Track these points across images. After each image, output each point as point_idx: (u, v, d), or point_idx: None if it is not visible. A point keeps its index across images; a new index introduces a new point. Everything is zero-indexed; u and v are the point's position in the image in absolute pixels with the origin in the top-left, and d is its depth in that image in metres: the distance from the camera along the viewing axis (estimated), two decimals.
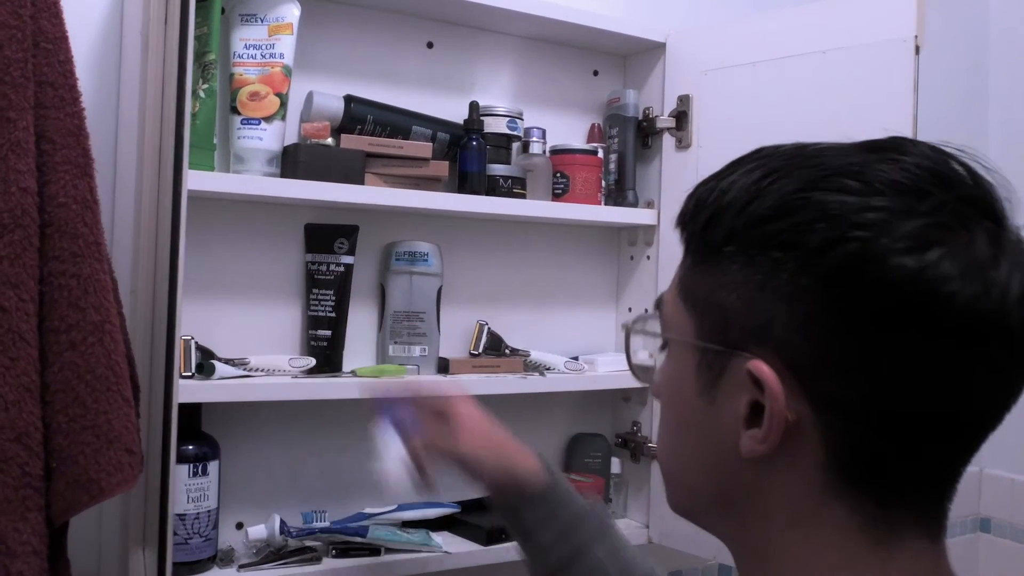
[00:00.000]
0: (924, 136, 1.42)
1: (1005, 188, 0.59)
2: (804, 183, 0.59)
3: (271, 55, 1.41)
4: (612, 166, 1.73)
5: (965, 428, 0.59)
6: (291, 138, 1.46)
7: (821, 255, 0.56)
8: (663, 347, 0.70)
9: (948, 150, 0.60)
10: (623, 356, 1.77)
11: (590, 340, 1.80)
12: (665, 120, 1.71)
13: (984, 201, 0.58)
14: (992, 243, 0.56)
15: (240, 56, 1.41)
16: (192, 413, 1.36)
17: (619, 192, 1.72)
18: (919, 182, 0.57)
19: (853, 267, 0.55)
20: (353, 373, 1.48)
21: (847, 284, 0.55)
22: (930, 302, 0.54)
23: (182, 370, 1.33)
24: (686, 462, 0.68)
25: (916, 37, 1.39)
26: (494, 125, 1.62)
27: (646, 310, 1.75)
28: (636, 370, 0.75)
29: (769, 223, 0.59)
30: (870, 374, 0.56)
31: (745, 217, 0.60)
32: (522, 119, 1.66)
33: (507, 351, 1.64)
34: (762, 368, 0.58)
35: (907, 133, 1.38)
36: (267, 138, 1.40)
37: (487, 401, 1.67)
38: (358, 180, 1.44)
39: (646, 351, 0.71)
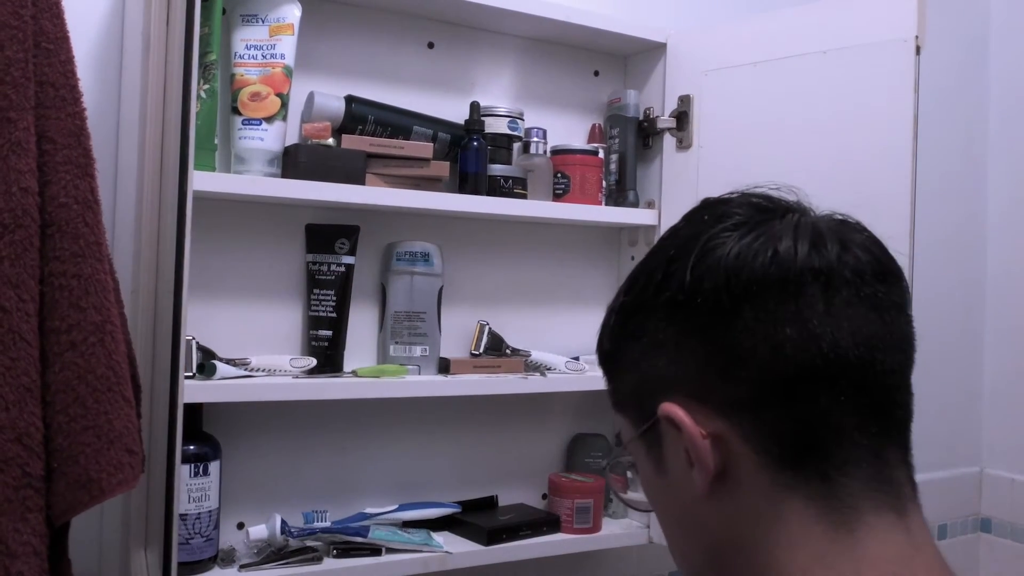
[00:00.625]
0: (924, 135, 1.43)
1: (798, 195, 0.70)
2: (641, 261, 0.70)
3: (272, 55, 1.41)
4: (613, 166, 1.73)
5: (858, 379, 0.61)
6: (292, 138, 1.46)
7: (659, 296, 0.66)
8: (633, 465, 0.75)
9: (746, 188, 0.70)
10: None
11: (591, 340, 1.77)
12: (666, 120, 1.71)
13: (778, 203, 0.68)
14: (788, 224, 0.64)
15: (241, 56, 1.41)
16: (193, 413, 1.36)
17: (620, 192, 1.72)
18: (716, 211, 0.67)
19: (681, 286, 0.64)
20: (354, 373, 1.48)
21: (685, 302, 0.64)
22: (744, 273, 0.62)
23: (183, 370, 1.33)
24: (683, 544, 0.71)
25: (917, 37, 1.39)
26: (495, 125, 1.62)
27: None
28: (628, 503, 0.82)
29: (625, 303, 0.69)
30: (739, 363, 0.62)
31: (614, 314, 0.71)
32: (523, 119, 1.66)
33: (508, 351, 1.64)
34: (667, 409, 0.64)
35: (907, 133, 1.38)
36: (268, 138, 1.40)
37: (488, 402, 1.68)
38: (359, 180, 1.44)
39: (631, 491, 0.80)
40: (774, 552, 0.62)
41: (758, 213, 0.66)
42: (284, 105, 1.41)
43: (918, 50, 1.39)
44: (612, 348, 0.72)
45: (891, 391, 0.64)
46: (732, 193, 0.70)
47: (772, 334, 0.61)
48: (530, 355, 1.65)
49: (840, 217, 0.67)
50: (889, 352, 0.63)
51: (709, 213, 0.67)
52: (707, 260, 0.63)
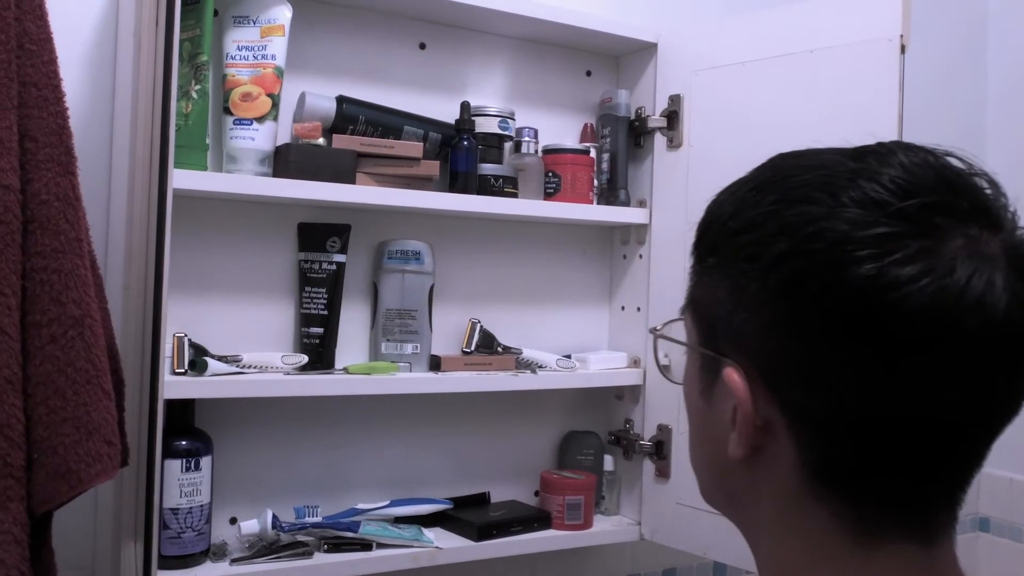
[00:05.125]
0: (917, 135, 1.43)
1: (996, 189, 0.59)
2: (777, 197, 0.60)
3: (263, 56, 1.43)
4: (604, 165, 1.74)
5: (940, 435, 0.57)
6: (283, 138, 1.48)
7: (778, 268, 0.58)
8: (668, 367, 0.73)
9: (935, 157, 0.59)
10: (616, 355, 1.79)
11: (583, 338, 1.81)
12: (656, 120, 1.72)
13: (963, 206, 0.57)
14: (964, 247, 0.55)
15: (232, 57, 1.43)
16: (185, 409, 1.38)
17: (611, 191, 1.73)
18: (885, 194, 0.56)
19: (805, 280, 0.56)
20: (345, 370, 1.50)
21: (800, 296, 0.57)
22: (880, 310, 0.54)
23: (175, 367, 1.35)
24: (699, 460, 0.70)
25: (902, 36, 1.40)
26: (485, 125, 1.63)
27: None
28: (660, 369, 0.77)
29: (740, 236, 0.61)
30: (828, 382, 0.57)
31: (724, 231, 0.63)
32: (513, 119, 1.67)
33: (499, 349, 1.66)
34: (732, 376, 0.61)
35: (892, 131, 1.39)
36: (259, 138, 1.42)
37: (480, 399, 1.69)
38: (349, 180, 1.46)
39: (663, 352, 0.75)
40: (786, 542, 0.62)
41: (925, 213, 0.55)
42: (275, 105, 1.43)
43: (903, 49, 1.40)
44: (706, 257, 0.64)
45: (971, 447, 0.59)
46: (889, 153, 0.59)
47: (882, 387, 0.55)
48: (521, 353, 1.66)
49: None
50: (995, 416, 0.58)
51: (852, 194, 0.56)
52: (840, 273, 0.54)
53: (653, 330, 0.75)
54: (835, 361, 0.56)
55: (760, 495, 0.63)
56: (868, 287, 0.54)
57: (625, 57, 1.82)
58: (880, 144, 0.61)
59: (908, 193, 0.56)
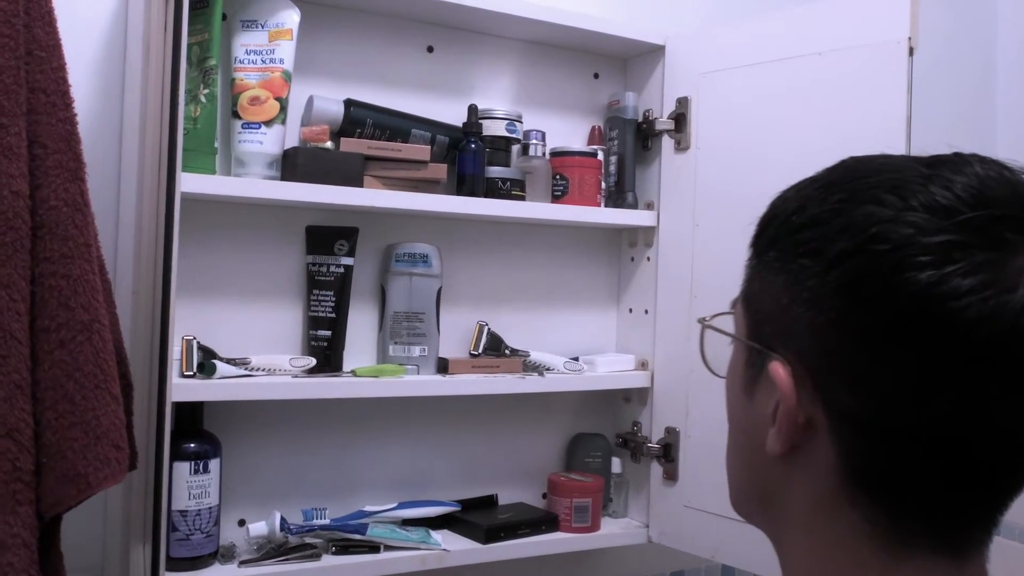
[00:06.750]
0: (926, 138, 1.43)
1: None
2: (845, 196, 0.59)
3: (271, 60, 1.43)
4: (612, 168, 1.74)
5: (983, 451, 0.56)
6: (292, 142, 1.48)
7: (838, 266, 0.57)
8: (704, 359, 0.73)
9: (1011, 172, 0.58)
10: (624, 357, 1.79)
11: (591, 341, 1.81)
12: (664, 122, 1.72)
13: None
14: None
15: (241, 61, 1.44)
16: (194, 411, 1.39)
17: (619, 194, 1.73)
18: (956, 201, 0.55)
19: (865, 280, 0.55)
20: (353, 373, 1.50)
21: (859, 296, 0.56)
22: (937, 319, 0.53)
23: (184, 369, 1.36)
24: (735, 457, 0.70)
25: (910, 39, 1.40)
26: (493, 128, 1.63)
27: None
28: (704, 361, 0.75)
29: (802, 232, 0.60)
30: (877, 387, 0.56)
31: (787, 226, 0.62)
32: (521, 122, 1.67)
33: (507, 351, 1.66)
34: (778, 369, 0.60)
35: (900, 133, 1.38)
36: (267, 142, 1.42)
37: (487, 401, 1.69)
38: (357, 183, 1.46)
39: (709, 345, 0.73)
40: (814, 547, 0.62)
41: (995, 226, 0.54)
42: (283, 109, 1.43)
43: (911, 51, 1.40)
44: (765, 250, 0.64)
45: (1018, 464, 0.57)
46: (963, 162, 0.58)
47: (929, 389, 0.54)
48: (529, 355, 1.67)
49: None
50: None
51: (924, 196, 0.56)
52: (900, 277, 0.54)
53: (702, 320, 0.74)
54: (886, 365, 0.55)
55: (793, 496, 0.63)
56: (926, 294, 0.53)
57: (633, 59, 1.82)
58: (956, 154, 0.60)
59: (980, 203, 0.55)
